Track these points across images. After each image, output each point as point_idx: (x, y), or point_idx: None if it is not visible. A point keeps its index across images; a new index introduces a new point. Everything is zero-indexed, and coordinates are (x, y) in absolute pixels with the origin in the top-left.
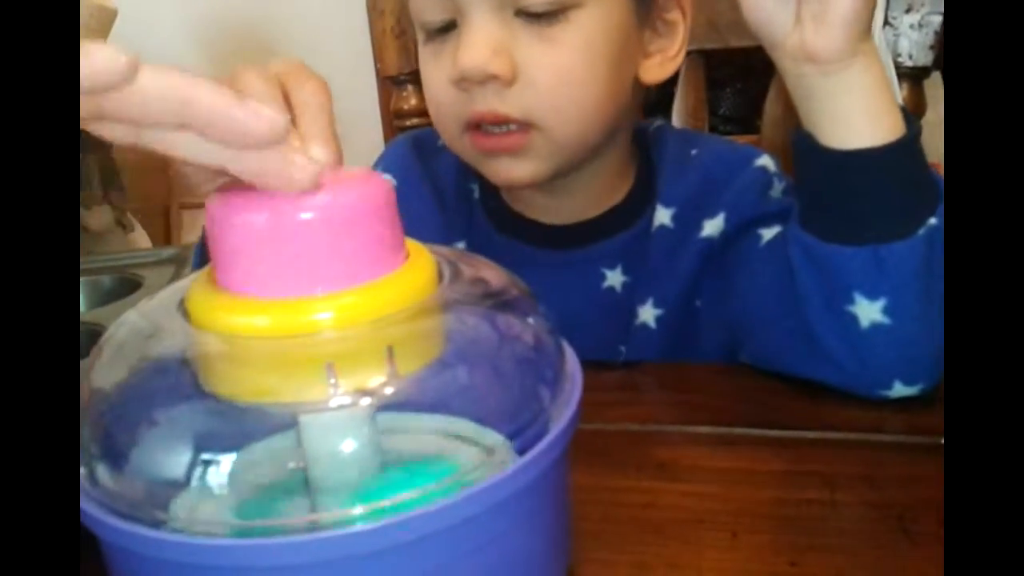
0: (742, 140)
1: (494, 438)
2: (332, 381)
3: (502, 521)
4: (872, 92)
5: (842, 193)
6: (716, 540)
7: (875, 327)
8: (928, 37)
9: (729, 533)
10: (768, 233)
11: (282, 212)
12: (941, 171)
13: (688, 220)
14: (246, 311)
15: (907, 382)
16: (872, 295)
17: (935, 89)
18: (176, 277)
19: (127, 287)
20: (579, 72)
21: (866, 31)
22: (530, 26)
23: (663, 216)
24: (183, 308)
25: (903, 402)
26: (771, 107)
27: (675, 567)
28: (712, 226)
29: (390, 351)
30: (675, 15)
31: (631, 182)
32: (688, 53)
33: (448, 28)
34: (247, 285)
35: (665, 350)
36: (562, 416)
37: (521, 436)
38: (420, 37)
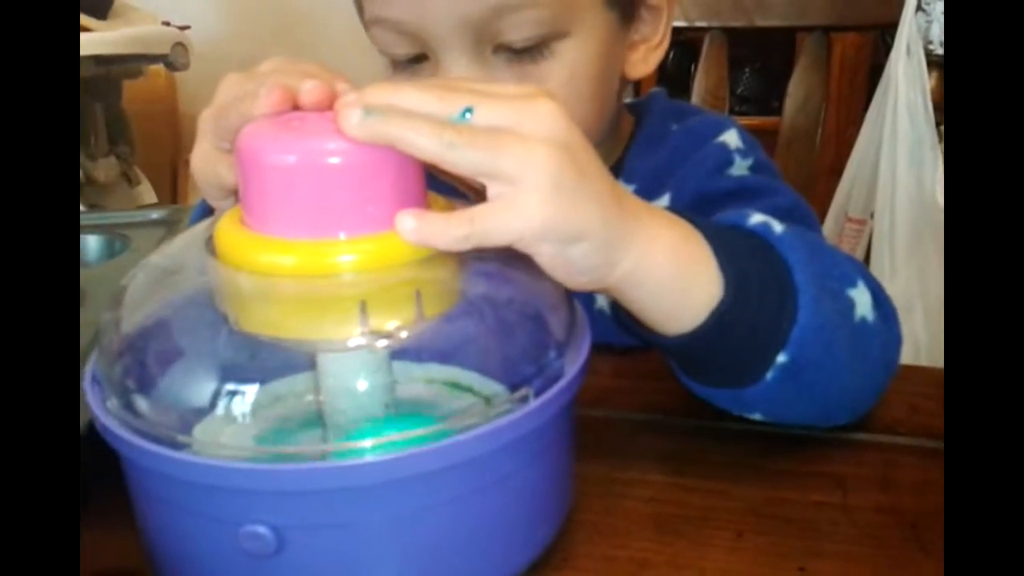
0: (759, 122)
1: (507, 383)
2: (363, 320)
3: (507, 463)
4: (654, 297)
5: (672, 358)
6: (721, 540)
7: (763, 419)
8: None
9: (734, 533)
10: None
11: (311, 155)
12: None
13: (642, 199)
14: (275, 250)
15: (834, 422)
16: (747, 412)
17: None
18: (166, 240)
19: (114, 249)
20: (569, 106)
21: (607, 268)
22: (511, 65)
23: None
24: (210, 246)
25: (919, 406)
26: (795, 89)
27: (677, 566)
28: (658, 206)
29: (418, 295)
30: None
31: (613, 159)
32: (710, 30)
33: (418, 60)
34: (274, 225)
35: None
36: (573, 365)
37: (534, 382)
38: (384, 61)
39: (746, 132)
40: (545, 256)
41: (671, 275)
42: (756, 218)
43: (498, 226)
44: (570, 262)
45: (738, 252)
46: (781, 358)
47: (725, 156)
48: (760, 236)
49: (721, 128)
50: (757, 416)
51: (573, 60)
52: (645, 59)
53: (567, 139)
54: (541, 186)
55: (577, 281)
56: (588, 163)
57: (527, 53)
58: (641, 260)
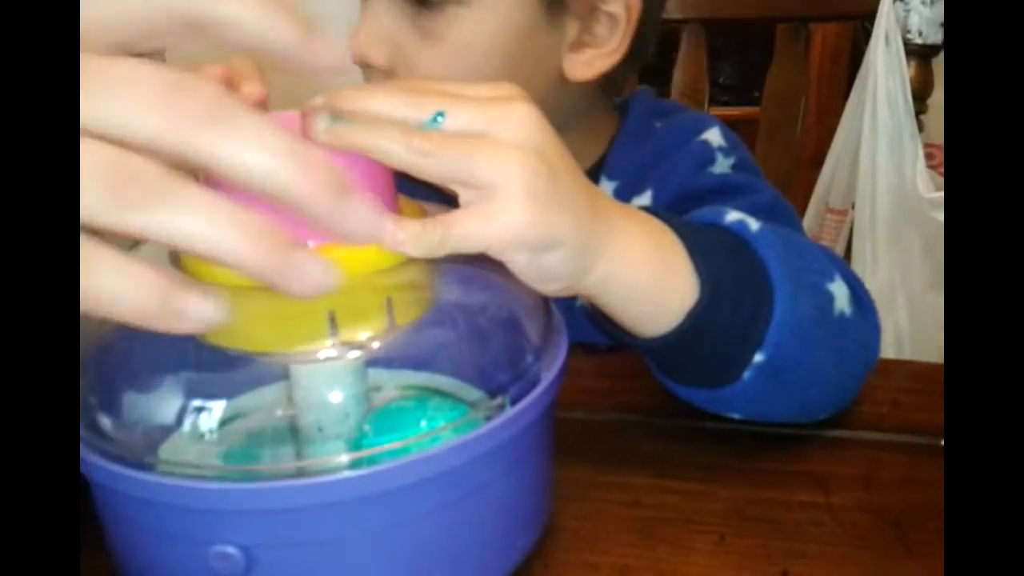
0: (740, 112)
1: (483, 390)
2: (333, 331)
3: (485, 472)
4: (629, 301)
5: (649, 358)
6: (703, 543)
7: (744, 418)
8: (939, 14)
9: (717, 536)
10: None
11: None
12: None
13: (624, 196)
14: None
15: (814, 418)
16: (726, 411)
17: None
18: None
19: None
20: (461, 73)
21: (580, 275)
22: (414, 17)
23: (604, 190)
24: (174, 257)
25: (902, 402)
26: (774, 80)
27: (659, 572)
28: (638, 204)
29: (389, 302)
30: (616, 7)
31: (596, 157)
32: (688, 22)
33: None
34: None
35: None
36: (550, 370)
37: (510, 389)
38: None
39: (729, 130)
40: (519, 263)
41: (646, 279)
42: (732, 215)
43: (471, 233)
44: (543, 269)
45: (713, 252)
46: (758, 357)
47: (707, 154)
48: (736, 234)
49: (704, 126)
50: (736, 415)
51: (469, 29)
52: (590, 64)
53: (541, 144)
54: (514, 193)
55: (550, 287)
56: (563, 168)
57: (424, 8)
58: (615, 265)
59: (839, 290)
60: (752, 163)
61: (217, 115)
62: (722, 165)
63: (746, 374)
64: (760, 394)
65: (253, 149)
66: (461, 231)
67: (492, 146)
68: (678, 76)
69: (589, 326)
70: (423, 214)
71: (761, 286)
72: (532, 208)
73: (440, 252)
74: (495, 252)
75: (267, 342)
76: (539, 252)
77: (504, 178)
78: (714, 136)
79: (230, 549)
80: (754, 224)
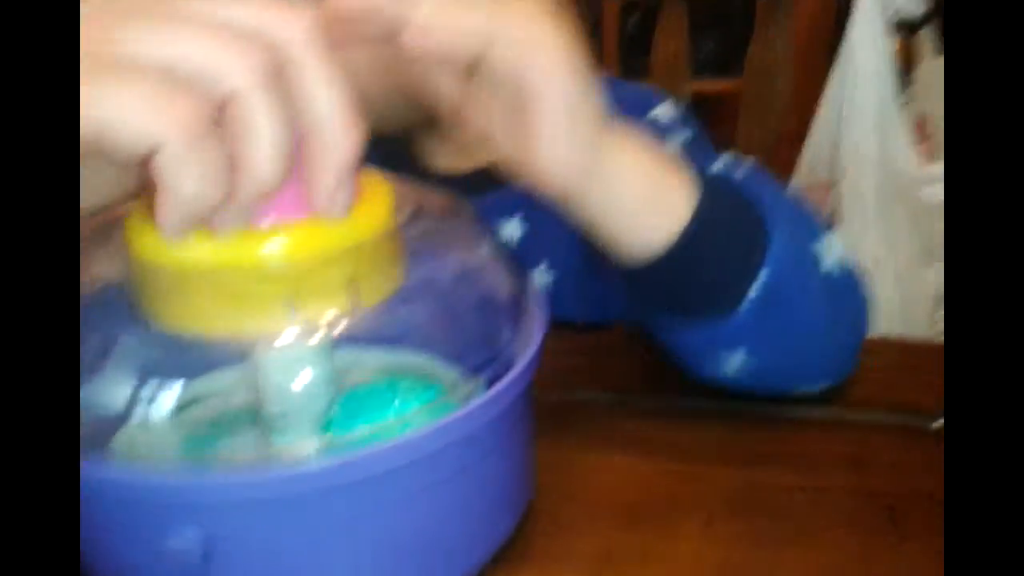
0: (721, 86)
1: (457, 372)
2: (295, 311)
3: (462, 456)
4: (628, 213)
5: (650, 289)
6: (690, 527)
7: (743, 369)
8: None
9: (704, 519)
10: None
11: None
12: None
13: None
14: (195, 240)
15: (812, 383)
16: (727, 351)
17: (927, 43)
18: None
19: None
20: None
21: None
22: None
23: None
24: (124, 237)
25: (892, 382)
26: (756, 54)
27: (644, 558)
28: None
29: (353, 282)
30: None
31: None
32: None
33: None
34: None
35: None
36: (527, 349)
37: (485, 370)
38: None
39: (677, 105)
40: (553, 93)
41: (648, 183)
42: (716, 166)
43: (519, 40)
44: (572, 112)
45: (707, 177)
46: (760, 279)
47: (659, 132)
48: (725, 178)
49: (653, 102)
50: (731, 370)
51: None
52: None
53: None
54: (549, 33)
55: (570, 143)
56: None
57: None
58: (620, 162)
59: (829, 250)
60: (705, 137)
61: None
62: (673, 141)
63: (743, 305)
64: (761, 328)
65: None
66: (508, 28)
67: (526, 19)
68: (658, 50)
69: (565, 302)
70: (389, 187)
71: (756, 217)
72: (568, 51)
73: (467, 48)
74: (533, 72)
75: (226, 324)
76: (573, 89)
77: (536, 27)
78: (664, 112)
79: (188, 540)
80: (740, 173)
